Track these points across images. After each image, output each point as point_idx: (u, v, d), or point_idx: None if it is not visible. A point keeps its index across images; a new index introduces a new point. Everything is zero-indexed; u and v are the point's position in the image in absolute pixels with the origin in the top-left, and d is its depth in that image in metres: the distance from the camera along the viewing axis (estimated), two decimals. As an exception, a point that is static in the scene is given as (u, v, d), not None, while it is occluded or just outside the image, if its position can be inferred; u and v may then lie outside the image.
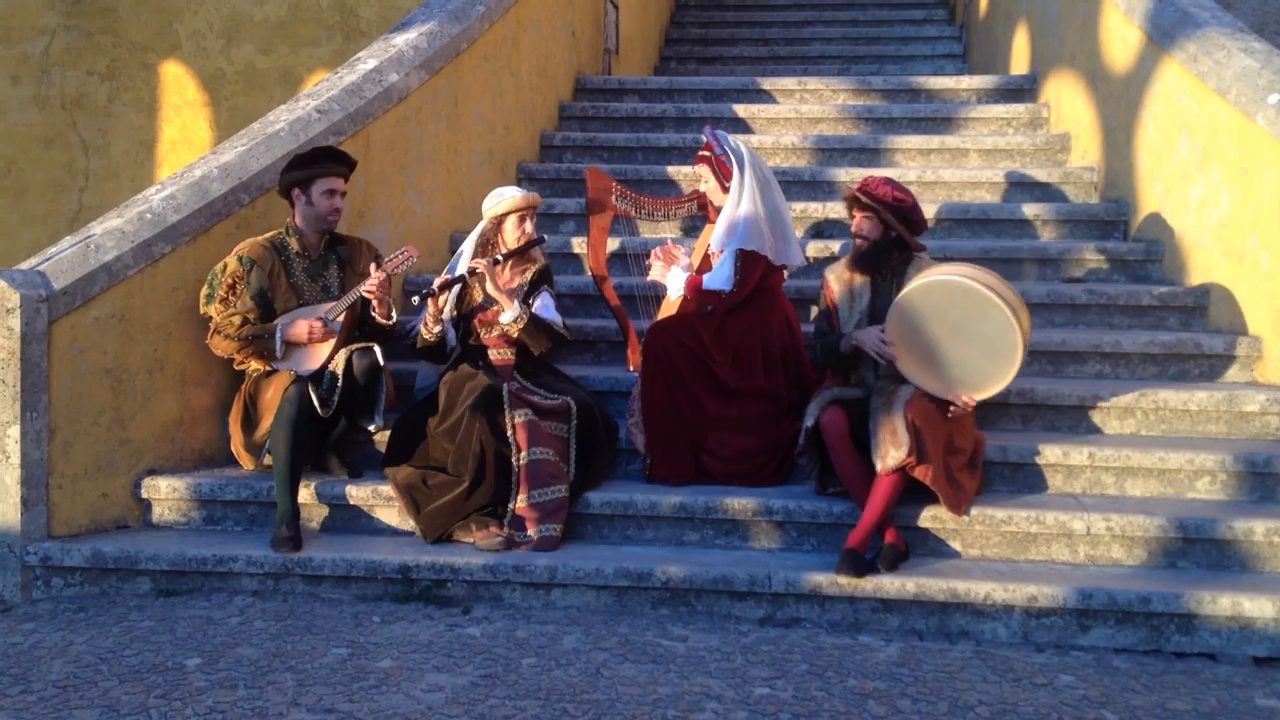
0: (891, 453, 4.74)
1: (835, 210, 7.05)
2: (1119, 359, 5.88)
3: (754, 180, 5.49)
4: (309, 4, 9.44)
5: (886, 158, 7.87)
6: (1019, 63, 9.14)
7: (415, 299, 5.41)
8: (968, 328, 4.87)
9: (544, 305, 5.60)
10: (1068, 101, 7.85)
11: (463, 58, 7.09)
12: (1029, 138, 7.92)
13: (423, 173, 6.83)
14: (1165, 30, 6.46)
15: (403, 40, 6.75)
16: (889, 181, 5.18)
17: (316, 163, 5.36)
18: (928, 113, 8.37)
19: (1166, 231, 6.51)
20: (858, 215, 5.18)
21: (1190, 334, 6.00)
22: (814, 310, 6.16)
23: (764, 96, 8.91)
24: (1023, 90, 8.66)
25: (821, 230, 7.01)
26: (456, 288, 5.48)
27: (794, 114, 8.44)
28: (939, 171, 7.48)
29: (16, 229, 9.69)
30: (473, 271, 5.45)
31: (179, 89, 9.58)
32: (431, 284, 5.47)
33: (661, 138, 8.21)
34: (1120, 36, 7.01)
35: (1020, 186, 7.39)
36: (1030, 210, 7.06)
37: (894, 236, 5.10)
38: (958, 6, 12.34)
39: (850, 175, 7.43)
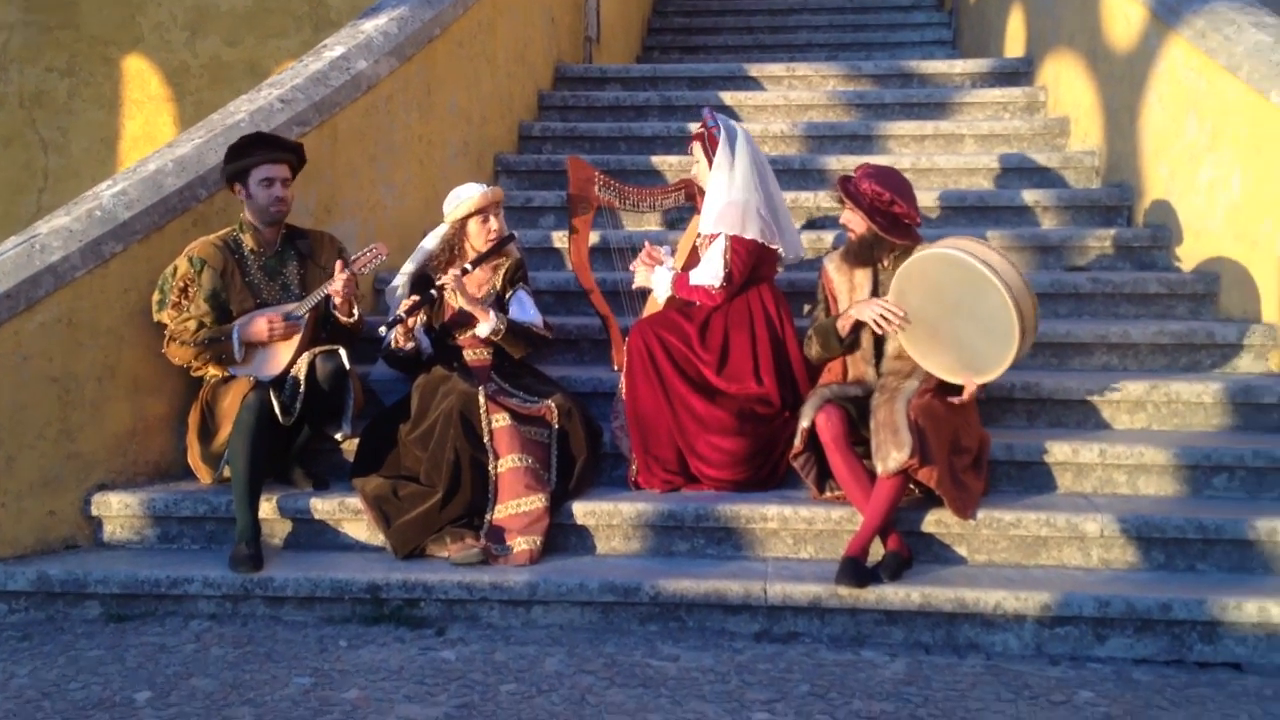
0: (893, 454, 4.44)
1: (827, 200, 6.73)
2: (1127, 350, 5.59)
3: (746, 159, 5.18)
4: (276, -7, 9.16)
5: (879, 145, 7.56)
6: (1013, 45, 8.83)
7: (382, 329, 5.11)
8: (966, 305, 4.57)
9: (521, 305, 5.30)
10: (1066, 84, 7.55)
11: (436, 44, 6.76)
12: (1026, 122, 7.62)
13: (394, 165, 6.50)
14: (1170, 6, 6.17)
15: (371, 26, 6.42)
16: (874, 175, 4.87)
17: (249, 151, 5.02)
18: (920, 98, 8.06)
19: (1173, 216, 6.21)
20: (845, 207, 4.91)
21: (1201, 323, 5.71)
22: (805, 306, 5.89)
23: (751, 83, 8.59)
24: (1018, 73, 8.35)
25: (814, 221, 6.69)
26: (422, 309, 5.18)
27: (782, 101, 8.12)
28: (934, 158, 7.17)
29: (-27, 233, 9.38)
30: (441, 288, 5.15)
31: (141, 84, 9.29)
32: (397, 307, 5.17)
33: (645, 126, 7.89)
34: (1122, 14, 6.70)
35: (1018, 172, 7.09)
36: (1029, 197, 6.75)
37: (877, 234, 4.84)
38: (946, -9, 12.05)
39: (842, 163, 7.11)
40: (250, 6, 9.17)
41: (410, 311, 5.08)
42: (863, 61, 9.15)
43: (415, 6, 6.65)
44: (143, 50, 9.31)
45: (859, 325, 4.82)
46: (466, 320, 5.23)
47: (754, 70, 8.70)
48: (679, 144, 7.64)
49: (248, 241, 5.09)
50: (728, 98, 8.12)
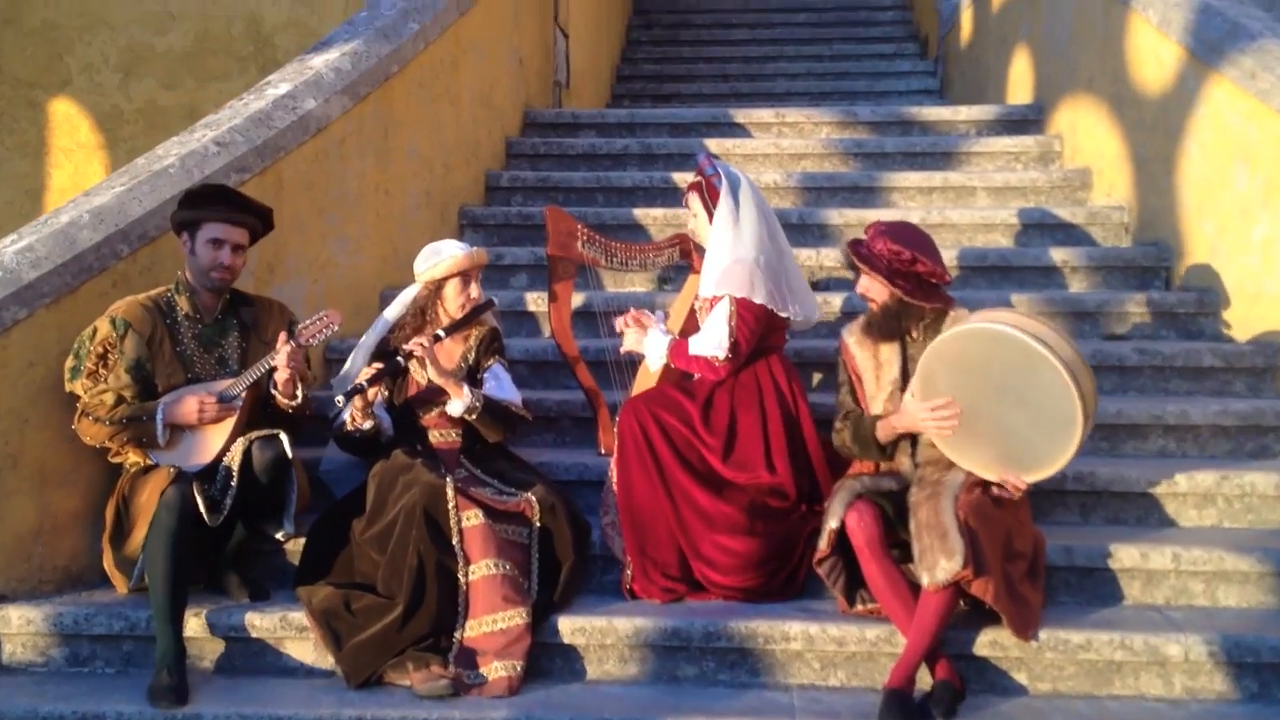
0: (942, 563, 3.73)
1: (830, 258, 6.08)
2: (1186, 432, 4.92)
3: (753, 211, 4.49)
4: (218, 33, 8.48)
5: (882, 197, 6.91)
6: (1018, 92, 8.23)
7: (339, 399, 4.34)
8: (1013, 389, 3.86)
9: (497, 381, 4.57)
10: (1085, 132, 6.94)
11: (393, 82, 6.04)
12: (1042, 173, 6.99)
13: (347, 217, 5.76)
14: (1211, 45, 5.56)
15: (321, 61, 5.70)
16: (888, 232, 4.19)
17: (207, 203, 4.29)
18: (924, 146, 7.43)
19: (1220, 279, 5.57)
20: (860, 272, 4.23)
21: (1267, 401, 5.06)
22: (816, 377, 5.21)
23: (737, 130, 7.95)
24: (1028, 121, 7.73)
25: (817, 282, 6.01)
26: (385, 380, 4.44)
27: (773, 149, 7.46)
28: (945, 213, 6.51)
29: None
30: (409, 355, 4.42)
31: (70, 130, 8.59)
32: (356, 378, 4.42)
33: (625, 176, 7.19)
34: (1153, 55, 6.10)
35: (1039, 228, 6.44)
36: (1056, 255, 6.10)
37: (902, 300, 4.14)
38: (930, 39, 11.51)
39: (844, 217, 6.46)
40: (189, 47, 8.49)
41: (373, 381, 4.34)
42: (857, 107, 8.53)
43: (371, 40, 5.95)
44: (71, 94, 8.62)
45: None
46: (433, 397, 4.50)
47: (740, 116, 8.06)
48: (661, 195, 6.98)
49: (183, 305, 4.34)
50: (713, 145, 7.44)
